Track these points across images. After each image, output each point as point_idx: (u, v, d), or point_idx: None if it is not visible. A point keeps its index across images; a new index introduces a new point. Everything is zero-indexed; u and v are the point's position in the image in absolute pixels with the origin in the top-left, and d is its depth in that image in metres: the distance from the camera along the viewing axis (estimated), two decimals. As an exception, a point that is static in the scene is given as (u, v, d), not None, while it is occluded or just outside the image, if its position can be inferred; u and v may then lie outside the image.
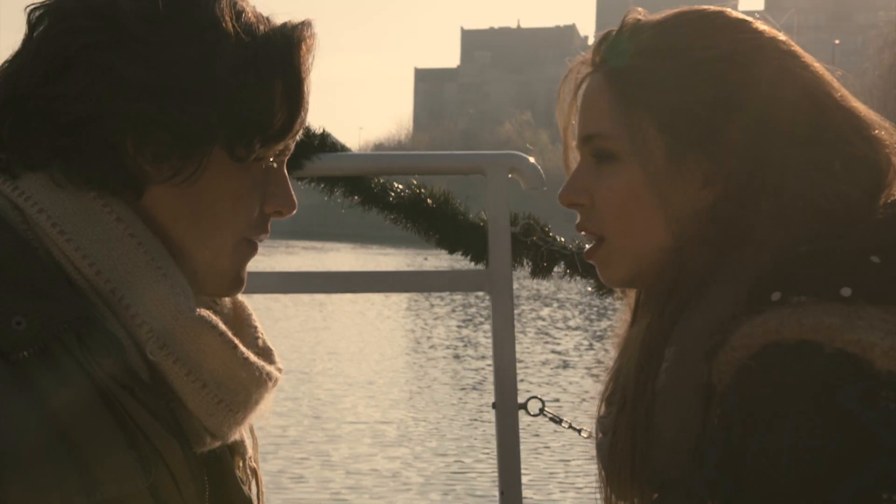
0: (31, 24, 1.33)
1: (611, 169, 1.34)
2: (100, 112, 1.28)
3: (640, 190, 1.31)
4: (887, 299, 1.17)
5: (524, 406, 2.95)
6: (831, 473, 1.11)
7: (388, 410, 14.31)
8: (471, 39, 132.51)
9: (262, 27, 1.35)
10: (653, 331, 1.30)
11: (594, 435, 1.38)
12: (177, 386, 1.31)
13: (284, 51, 1.34)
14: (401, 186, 3.01)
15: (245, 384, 1.34)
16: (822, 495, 1.11)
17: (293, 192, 1.42)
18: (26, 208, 1.29)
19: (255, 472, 1.50)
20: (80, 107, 1.28)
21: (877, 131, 1.30)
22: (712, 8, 1.34)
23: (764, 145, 1.26)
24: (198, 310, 1.33)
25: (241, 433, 1.44)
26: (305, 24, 1.38)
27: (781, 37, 1.32)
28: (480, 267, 2.97)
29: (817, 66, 1.32)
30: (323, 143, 2.90)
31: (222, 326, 1.34)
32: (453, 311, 26.39)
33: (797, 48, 1.32)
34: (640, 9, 1.37)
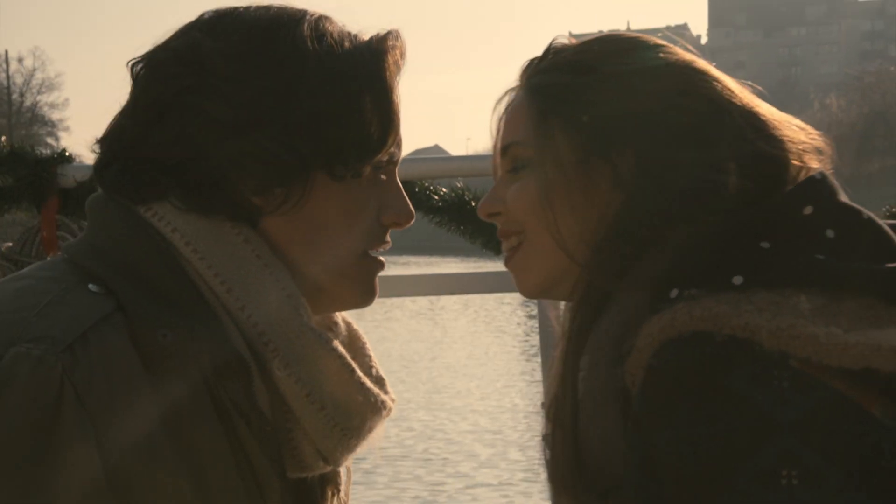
0: (134, 77, 1.37)
1: (525, 175, 1.39)
2: (197, 154, 1.31)
3: (552, 194, 1.35)
4: (780, 283, 1.18)
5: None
6: (730, 458, 1.12)
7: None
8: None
9: (346, 44, 1.36)
10: (569, 342, 1.32)
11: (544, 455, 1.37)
12: (295, 406, 1.32)
13: (370, 64, 1.36)
14: (445, 190, 2.97)
15: (361, 409, 1.35)
16: (725, 480, 1.11)
17: (408, 201, 1.43)
18: (161, 227, 1.32)
19: None
20: (178, 151, 1.31)
21: (784, 131, 1.34)
22: (630, 33, 1.42)
23: (664, 151, 1.30)
24: (320, 331, 1.35)
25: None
26: (391, 35, 1.39)
27: (690, 57, 1.38)
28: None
29: (726, 80, 1.37)
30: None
31: (342, 350, 1.36)
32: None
33: (705, 65, 1.37)
34: (566, 36, 1.44)
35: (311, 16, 1.37)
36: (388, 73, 1.37)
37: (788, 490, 1.10)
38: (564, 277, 1.35)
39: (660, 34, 1.42)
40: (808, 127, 1.36)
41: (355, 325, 1.50)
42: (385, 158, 1.39)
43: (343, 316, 1.50)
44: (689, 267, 1.22)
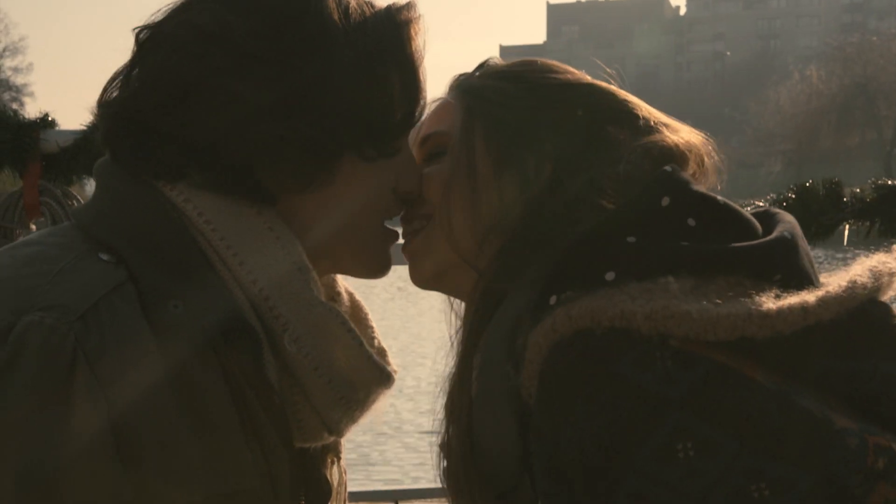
0: (140, 44, 1.34)
1: (439, 161, 1.45)
2: (228, 137, 1.28)
3: (461, 186, 1.40)
4: (649, 272, 1.23)
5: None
6: (628, 441, 1.14)
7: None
8: (557, 14, 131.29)
9: (367, 15, 1.35)
10: (464, 341, 1.36)
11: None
12: (302, 379, 1.33)
13: (395, 41, 1.36)
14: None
15: (367, 382, 1.37)
16: (628, 464, 1.14)
17: (420, 172, 1.45)
18: (173, 197, 1.31)
19: (343, 473, 1.52)
20: (207, 133, 1.28)
21: (680, 133, 1.44)
22: (553, 62, 1.53)
23: (573, 158, 1.38)
24: (330, 305, 1.34)
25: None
26: (409, 7, 1.38)
27: (598, 81, 1.50)
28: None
29: (629, 95, 1.48)
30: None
31: (351, 323, 1.36)
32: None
33: (613, 87, 1.49)
34: (498, 58, 1.54)
35: None
36: (413, 49, 1.38)
37: (686, 462, 1.13)
38: (456, 270, 1.40)
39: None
40: (700, 134, 1.47)
41: (357, 296, 1.51)
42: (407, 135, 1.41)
43: (345, 286, 1.50)
44: (563, 271, 1.27)
